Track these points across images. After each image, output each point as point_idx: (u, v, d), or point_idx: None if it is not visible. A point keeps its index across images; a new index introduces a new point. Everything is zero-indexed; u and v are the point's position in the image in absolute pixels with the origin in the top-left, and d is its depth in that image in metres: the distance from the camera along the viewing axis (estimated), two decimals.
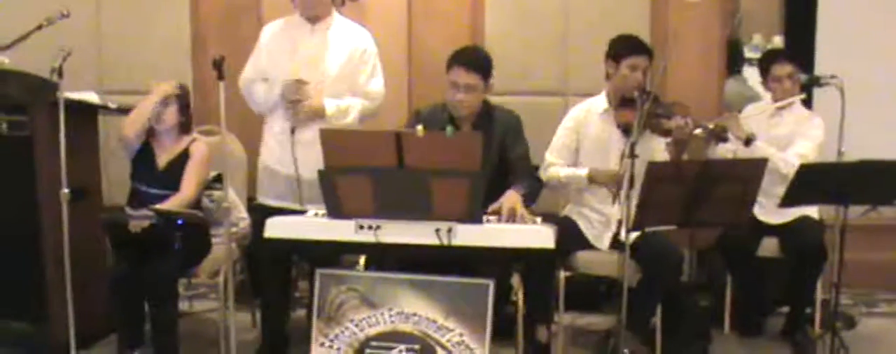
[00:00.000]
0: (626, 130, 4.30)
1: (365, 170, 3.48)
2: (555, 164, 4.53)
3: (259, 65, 4.45)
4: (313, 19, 4.34)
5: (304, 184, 4.18)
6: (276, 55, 4.37)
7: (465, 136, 3.67)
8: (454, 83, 4.17)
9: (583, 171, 4.41)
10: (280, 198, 4.34)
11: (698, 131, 4.23)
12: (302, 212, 4.01)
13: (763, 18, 7.23)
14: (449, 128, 3.98)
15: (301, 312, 4.81)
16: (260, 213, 4.40)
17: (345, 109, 4.30)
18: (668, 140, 4.23)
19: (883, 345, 4.77)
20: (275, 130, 4.39)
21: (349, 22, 4.49)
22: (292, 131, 4.20)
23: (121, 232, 4.15)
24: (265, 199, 4.47)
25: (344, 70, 4.34)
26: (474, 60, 4.21)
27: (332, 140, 3.55)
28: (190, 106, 4.51)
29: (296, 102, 4.19)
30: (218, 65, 3.75)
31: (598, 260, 4.44)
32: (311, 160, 4.15)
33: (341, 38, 4.33)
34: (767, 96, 5.00)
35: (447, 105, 4.25)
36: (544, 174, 4.54)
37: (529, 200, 4.17)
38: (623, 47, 4.43)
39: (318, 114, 4.24)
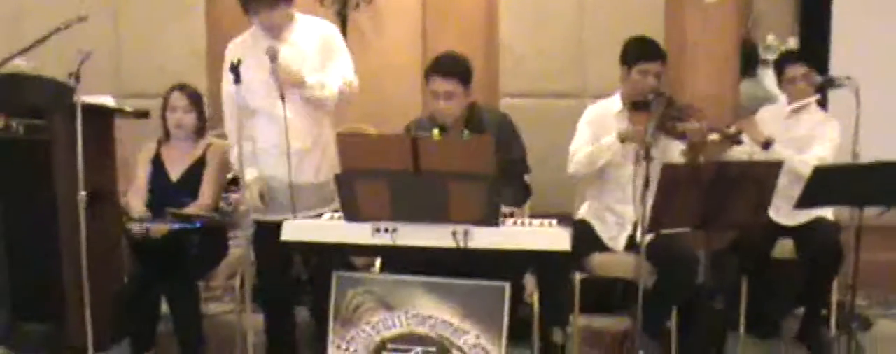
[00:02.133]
0: None
1: (382, 173, 3.49)
2: (579, 151, 4.49)
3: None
4: (277, 32, 4.19)
5: (296, 191, 4.11)
6: (253, 69, 4.08)
7: (479, 139, 3.66)
8: (434, 92, 4.16)
9: (610, 137, 4.34)
10: (276, 212, 4.19)
11: (714, 136, 4.23)
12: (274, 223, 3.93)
13: (777, 19, 7.20)
14: (465, 132, 3.99)
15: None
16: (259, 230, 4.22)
17: (322, 82, 4.14)
18: (684, 145, 4.22)
19: None
20: (260, 145, 4.24)
21: (311, 18, 4.35)
22: (282, 98, 4.00)
23: (140, 238, 4.20)
24: (260, 216, 4.22)
25: (315, 65, 4.20)
26: (449, 66, 4.16)
27: (349, 144, 3.57)
28: (204, 110, 4.54)
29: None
30: (235, 69, 3.74)
31: (614, 261, 4.44)
32: (302, 169, 4.17)
33: (310, 36, 4.24)
34: (783, 97, 4.99)
35: (433, 115, 4.24)
36: (571, 166, 4.48)
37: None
38: (634, 52, 4.42)
39: (299, 80, 4.09)
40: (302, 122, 4.17)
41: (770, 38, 6.68)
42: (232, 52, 4.22)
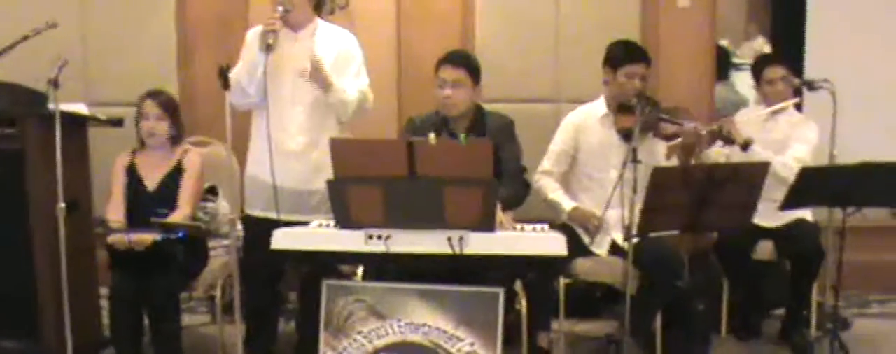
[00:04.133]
0: (626, 136, 4.30)
1: (376, 179, 3.43)
2: (550, 174, 4.53)
3: None
4: (295, 27, 4.24)
5: (281, 194, 4.09)
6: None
7: (477, 144, 3.62)
8: (442, 80, 4.18)
9: (567, 205, 4.45)
10: (263, 209, 4.25)
11: (703, 132, 4.26)
12: (282, 222, 3.92)
13: (732, 24, 7.31)
14: (462, 136, 3.95)
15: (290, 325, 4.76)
16: (246, 225, 4.37)
17: (342, 88, 4.15)
18: (673, 143, 4.23)
19: (880, 346, 4.80)
20: (260, 140, 4.28)
21: (333, 27, 4.42)
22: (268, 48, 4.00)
23: (121, 250, 4.09)
24: (250, 210, 4.39)
25: (337, 75, 4.22)
26: (459, 57, 4.25)
27: (343, 150, 3.50)
28: (179, 118, 4.45)
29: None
30: (223, 73, 3.66)
31: (598, 266, 4.43)
32: (293, 171, 4.14)
33: (326, 43, 4.26)
34: (753, 101, 5.03)
35: (439, 108, 4.25)
36: (535, 180, 4.54)
37: (512, 204, 4.17)
38: (620, 55, 4.43)
39: (318, 63, 4.07)
40: (303, 122, 4.20)
41: (724, 43, 6.76)
42: (251, 36, 4.26)
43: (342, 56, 4.26)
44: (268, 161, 4.04)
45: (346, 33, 4.38)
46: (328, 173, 3.92)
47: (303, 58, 4.15)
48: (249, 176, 4.37)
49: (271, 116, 4.15)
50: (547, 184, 4.54)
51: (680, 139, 4.22)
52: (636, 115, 4.03)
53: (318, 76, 4.07)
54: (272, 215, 4.11)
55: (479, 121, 4.24)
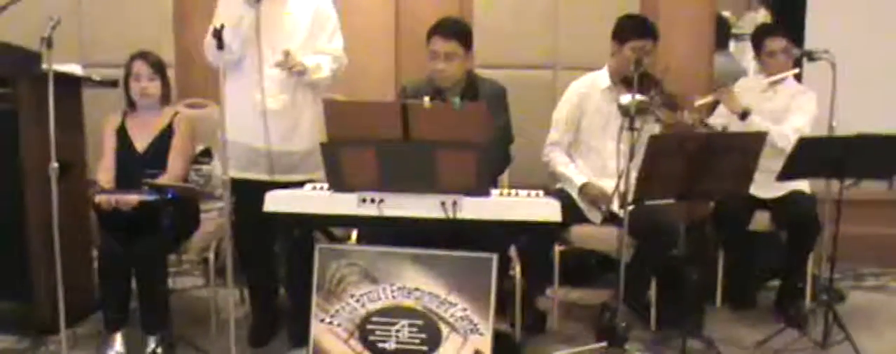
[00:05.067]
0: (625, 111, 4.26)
1: (369, 142, 3.39)
2: (558, 144, 4.52)
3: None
4: None
5: (262, 154, 4.08)
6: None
7: (472, 108, 3.58)
8: (434, 52, 4.13)
9: (579, 180, 4.45)
10: (244, 169, 4.17)
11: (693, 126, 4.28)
12: (272, 183, 3.90)
13: None
14: (456, 100, 3.92)
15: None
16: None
17: (317, 65, 4.12)
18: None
19: (875, 319, 4.78)
20: (236, 102, 4.10)
21: None
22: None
23: (109, 211, 4.06)
24: (231, 172, 4.25)
25: (306, 36, 4.18)
26: (452, 28, 4.16)
27: (336, 112, 3.46)
28: (168, 78, 4.41)
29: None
30: (218, 33, 3.62)
31: (593, 233, 4.43)
32: (273, 130, 4.08)
33: (302, 4, 4.20)
34: (751, 71, 4.99)
35: (431, 77, 4.20)
36: (545, 153, 4.58)
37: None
38: (628, 29, 4.40)
39: (303, 71, 4.07)
40: (282, 81, 4.11)
41: (726, 14, 6.71)
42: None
43: (318, 17, 4.20)
44: (243, 122, 4.02)
45: None
46: (307, 132, 3.90)
47: (279, 17, 4.12)
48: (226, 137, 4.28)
49: (250, 76, 4.09)
50: (557, 157, 4.55)
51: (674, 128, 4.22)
52: (634, 89, 3.97)
53: (289, 67, 4.02)
54: (251, 176, 4.10)
55: (471, 87, 4.19)
